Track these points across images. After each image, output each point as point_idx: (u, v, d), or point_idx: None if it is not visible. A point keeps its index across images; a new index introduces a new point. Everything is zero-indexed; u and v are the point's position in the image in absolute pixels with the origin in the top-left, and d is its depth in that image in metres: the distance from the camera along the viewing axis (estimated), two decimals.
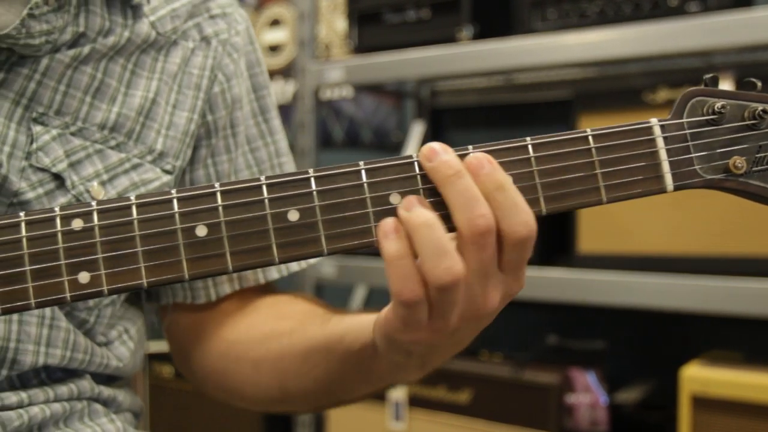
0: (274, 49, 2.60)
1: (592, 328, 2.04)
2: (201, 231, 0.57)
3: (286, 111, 0.90)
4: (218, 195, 0.57)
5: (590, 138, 0.61)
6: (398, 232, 0.56)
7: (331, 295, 2.18)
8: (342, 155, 2.55)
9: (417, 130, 2.36)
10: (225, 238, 0.57)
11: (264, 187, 0.57)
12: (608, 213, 1.62)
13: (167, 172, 0.80)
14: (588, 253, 1.67)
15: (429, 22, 1.87)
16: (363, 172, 0.58)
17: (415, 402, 1.82)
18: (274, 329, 0.82)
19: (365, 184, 0.58)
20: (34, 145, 0.72)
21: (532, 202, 0.59)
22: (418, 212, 0.56)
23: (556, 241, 1.76)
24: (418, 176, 0.58)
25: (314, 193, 0.57)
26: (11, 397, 0.71)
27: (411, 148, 2.32)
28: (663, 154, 0.62)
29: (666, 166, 0.62)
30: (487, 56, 1.72)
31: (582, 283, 1.60)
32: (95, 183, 0.75)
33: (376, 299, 2.32)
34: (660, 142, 0.62)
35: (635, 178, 0.61)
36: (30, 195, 0.71)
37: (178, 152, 0.81)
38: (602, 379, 1.69)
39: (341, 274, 1.91)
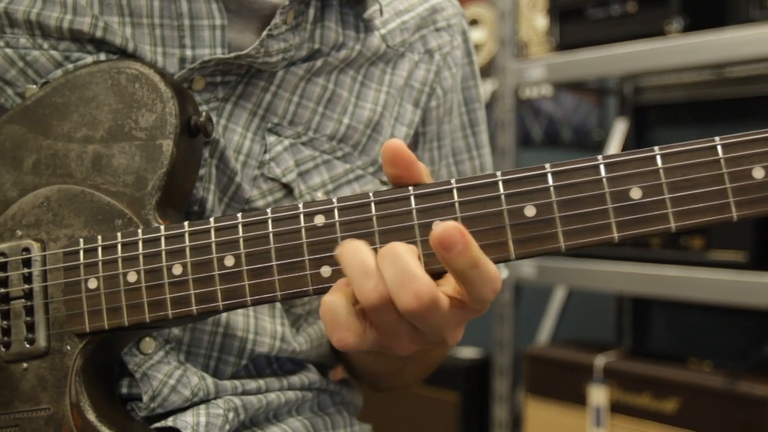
0: None
1: None
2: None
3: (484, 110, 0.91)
4: (454, 191, 0.58)
5: None
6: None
7: (531, 297, 2.16)
8: (541, 154, 2.51)
9: (620, 128, 2.29)
10: None
11: (500, 183, 0.57)
12: None
13: (384, 183, 0.83)
14: None
15: (635, 16, 1.81)
16: (602, 166, 0.56)
17: (617, 408, 1.76)
18: None
19: (604, 179, 0.56)
20: (267, 156, 0.76)
21: None
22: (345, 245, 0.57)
23: None
24: (661, 170, 0.56)
25: (551, 188, 0.57)
26: (251, 384, 0.75)
27: (613, 147, 2.25)
28: None
29: None
30: (699, 49, 1.63)
31: None
32: (320, 192, 0.78)
33: (576, 301, 2.27)
34: None
35: None
36: (260, 203, 0.75)
37: None
38: None
39: (541, 275, 1.88)
